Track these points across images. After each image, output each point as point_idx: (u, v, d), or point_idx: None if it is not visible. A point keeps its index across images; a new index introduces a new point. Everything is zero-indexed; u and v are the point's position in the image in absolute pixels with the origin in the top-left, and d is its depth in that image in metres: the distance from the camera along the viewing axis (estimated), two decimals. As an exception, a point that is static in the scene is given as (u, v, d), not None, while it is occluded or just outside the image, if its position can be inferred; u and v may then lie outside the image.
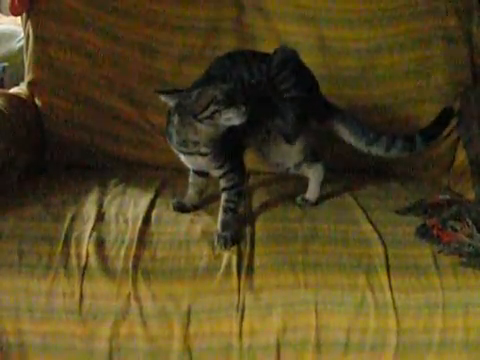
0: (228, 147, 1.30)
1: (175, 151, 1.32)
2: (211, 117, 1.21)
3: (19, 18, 1.77)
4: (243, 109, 1.19)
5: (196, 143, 1.27)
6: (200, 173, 1.40)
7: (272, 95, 1.35)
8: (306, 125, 1.40)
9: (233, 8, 1.74)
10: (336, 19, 1.73)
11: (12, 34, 2.18)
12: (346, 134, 1.45)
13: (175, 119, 1.27)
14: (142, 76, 1.71)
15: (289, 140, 1.39)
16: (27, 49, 1.73)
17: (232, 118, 1.20)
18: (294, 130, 1.37)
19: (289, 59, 1.37)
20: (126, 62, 1.71)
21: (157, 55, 1.71)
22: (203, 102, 1.21)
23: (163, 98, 1.24)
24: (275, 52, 1.37)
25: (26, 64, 1.73)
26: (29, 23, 1.71)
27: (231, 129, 1.24)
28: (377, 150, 1.44)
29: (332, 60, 1.73)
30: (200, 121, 1.22)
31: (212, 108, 1.20)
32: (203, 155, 1.29)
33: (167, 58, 1.72)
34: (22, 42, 1.91)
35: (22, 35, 1.88)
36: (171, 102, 1.24)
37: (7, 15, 2.25)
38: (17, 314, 1.17)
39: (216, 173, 1.35)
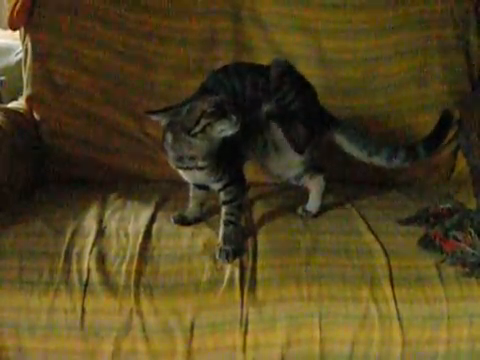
0: (226, 160, 1.30)
1: (173, 167, 1.32)
2: (204, 131, 1.21)
3: (17, 32, 1.77)
4: (234, 119, 1.19)
5: (193, 158, 1.27)
6: (200, 186, 1.40)
7: (277, 109, 1.34)
8: (313, 134, 1.39)
9: (230, 20, 1.74)
10: (334, 30, 1.74)
11: (9, 48, 2.17)
12: (347, 145, 1.45)
13: (169, 137, 1.27)
14: (141, 89, 1.71)
15: (300, 150, 1.38)
16: (25, 63, 1.73)
17: (225, 129, 1.20)
18: (304, 140, 1.36)
19: (286, 71, 1.37)
20: (125, 76, 1.71)
21: (155, 68, 1.72)
22: (194, 117, 1.20)
23: (154, 118, 1.23)
24: (271, 66, 1.37)
25: (24, 78, 1.73)
26: (27, 37, 1.71)
27: (228, 141, 1.23)
28: (379, 161, 1.44)
29: (331, 71, 1.73)
30: (193, 136, 1.22)
31: (203, 122, 1.20)
32: (201, 169, 1.29)
33: (165, 71, 1.72)
34: (19, 56, 1.91)
35: (20, 49, 1.88)
36: (163, 121, 1.24)
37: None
38: (18, 331, 1.16)
39: (215, 186, 1.34)
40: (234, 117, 1.19)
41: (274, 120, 1.35)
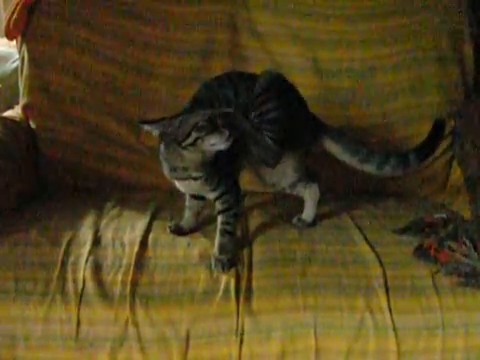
0: (221, 169, 1.30)
1: (168, 177, 1.32)
2: (194, 144, 1.20)
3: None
4: (226, 134, 1.18)
5: (186, 169, 1.27)
6: (196, 196, 1.40)
7: (253, 118, 1.33)
8: (291, 148, 1.39)
9: (227, 30, 1.75)
10: (330, 40, 1.75)
11: (6, 56, 2.17)
12: (339, 152, 1.45)
13: (162, 147, 1.27)
14: (137, 99, 1.71)
15: (268, 165, 1.36)
16: (22, 72, 1.73)
17: (216, 143, 1.20)
18: (272, 155, 1.34)
19: (274, 82, 1.36)
20: (121, 85, 1.71)
21: (152, 78, 1.72)
22: (185, 129, 1.20)
23: (146, 128, 1.23)
24: (261, 74, 1.38)
25: (21, 87, 1.73)
26: (24, 46, 1.71)
27: (223, 151, 1.23)
28: (370, 168, 1.44)
29: (326, 81, 1.74)
30: (184, 148, 1.22)
31: (194, 135, 1.20)
32: (195, 179, 1.29)
33: (162, 80, 1.72)
34: (16, 64, 1.91)
35: (16, 57, 1.88)
36: (155, 131, 1.24)
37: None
38: (13, 342, 1.16)
39: (211, 196, 1.34)
40: (226, 132, 1.18)
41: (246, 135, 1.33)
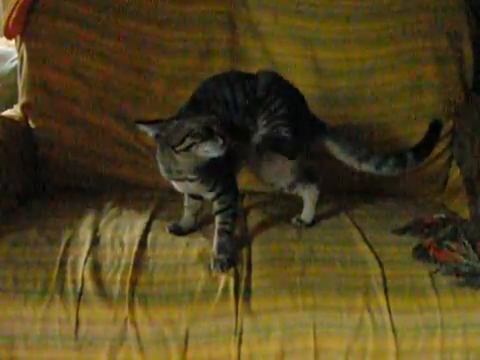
0: (217, 170, 1.30)
1: (164, 177, 1.32)
2: (188, 149, 1.20)
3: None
4: (221, 142, 1.18)
5: (180, 172, 1.27)
6: (194, 196, 1.40)
7: (262, 119, 1.34)
8: (303, 139, 1.40)
9: (226, 30, 1.75)
10: (329, 40, 1.75)
11: (5, 55, 2.17)
12: (337, 151, 1.45)
13: (158, 148, 1.27)
14: (136, 98, 1.71)
15: (291, 156, 1.38)
16: (21, 71, 1.73)
17: (209, 151, 1.20)
18: (293, 145, 1.35)
19: (274, 81, 1.37)
20: (120, 84, 1.71)
21: (151, 77, 1.72)
22: (180, 134, 1.20)
23: (142, 128, 1.23)
24: (257, 77, 1.38)
25: (20, 86, 1.73)
26: (23, 45, 1.71)
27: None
28: (368, 167, 1.44)
29: (325, 80, 1.74)
30: (177, 152, 1.22)
31: (188, 141, 1.19)
32: (192, 181, 1.29)
33: (161, 80, 1.72)
34: (15, 63, 1.91)
35: (15, 56, 1.88)
36: (150, 132, 1.23)
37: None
38: (12, 341, 1.16)
39: (208, 196, 1.34)
40: (221, 140, 1.18)
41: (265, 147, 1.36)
